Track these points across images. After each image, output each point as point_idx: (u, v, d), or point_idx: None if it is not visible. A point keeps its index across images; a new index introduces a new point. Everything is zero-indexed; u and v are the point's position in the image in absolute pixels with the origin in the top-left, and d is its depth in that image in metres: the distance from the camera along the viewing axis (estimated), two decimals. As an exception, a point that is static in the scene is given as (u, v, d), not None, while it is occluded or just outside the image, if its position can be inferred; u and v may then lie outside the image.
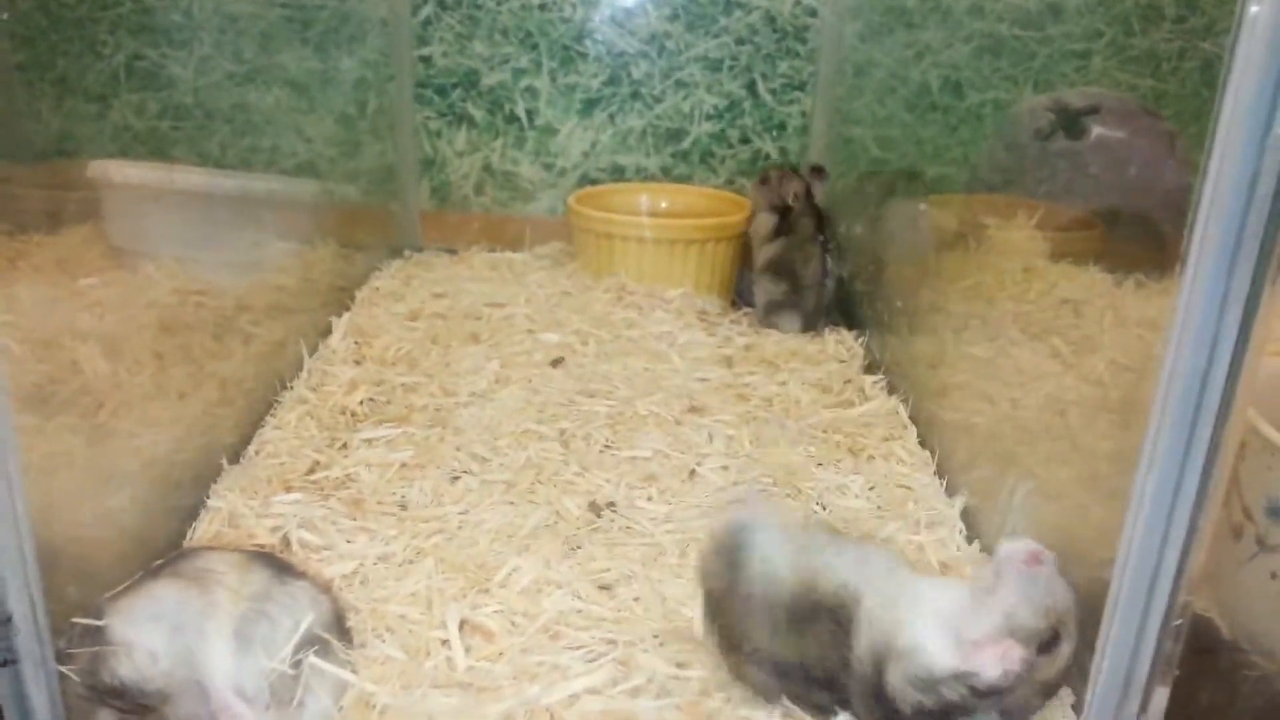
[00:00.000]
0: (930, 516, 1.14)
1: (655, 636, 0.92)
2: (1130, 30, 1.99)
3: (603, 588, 0.99)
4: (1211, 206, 0.71)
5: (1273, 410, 1.00)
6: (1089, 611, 0.82)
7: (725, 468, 1.23)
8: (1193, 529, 0.78)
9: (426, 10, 2.11)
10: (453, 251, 2.09)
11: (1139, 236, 1.55)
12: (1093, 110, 1.82)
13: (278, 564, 0.88)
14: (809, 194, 1.78)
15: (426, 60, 2.14)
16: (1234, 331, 0.73)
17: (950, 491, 1.21)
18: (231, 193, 1.61)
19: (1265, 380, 1.06)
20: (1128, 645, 0.80)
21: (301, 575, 0.88)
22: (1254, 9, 0.66)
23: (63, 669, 0.75)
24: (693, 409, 1.38)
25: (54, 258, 1.56)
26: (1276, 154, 0.68)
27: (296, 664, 0.80)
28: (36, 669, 0.72)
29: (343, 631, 0.87)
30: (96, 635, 0.76)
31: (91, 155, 1.71)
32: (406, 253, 2.07)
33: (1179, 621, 0.81)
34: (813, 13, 2.10)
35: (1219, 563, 1.04)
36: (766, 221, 1.79)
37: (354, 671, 0.84)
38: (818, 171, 1.84)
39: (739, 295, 1.90)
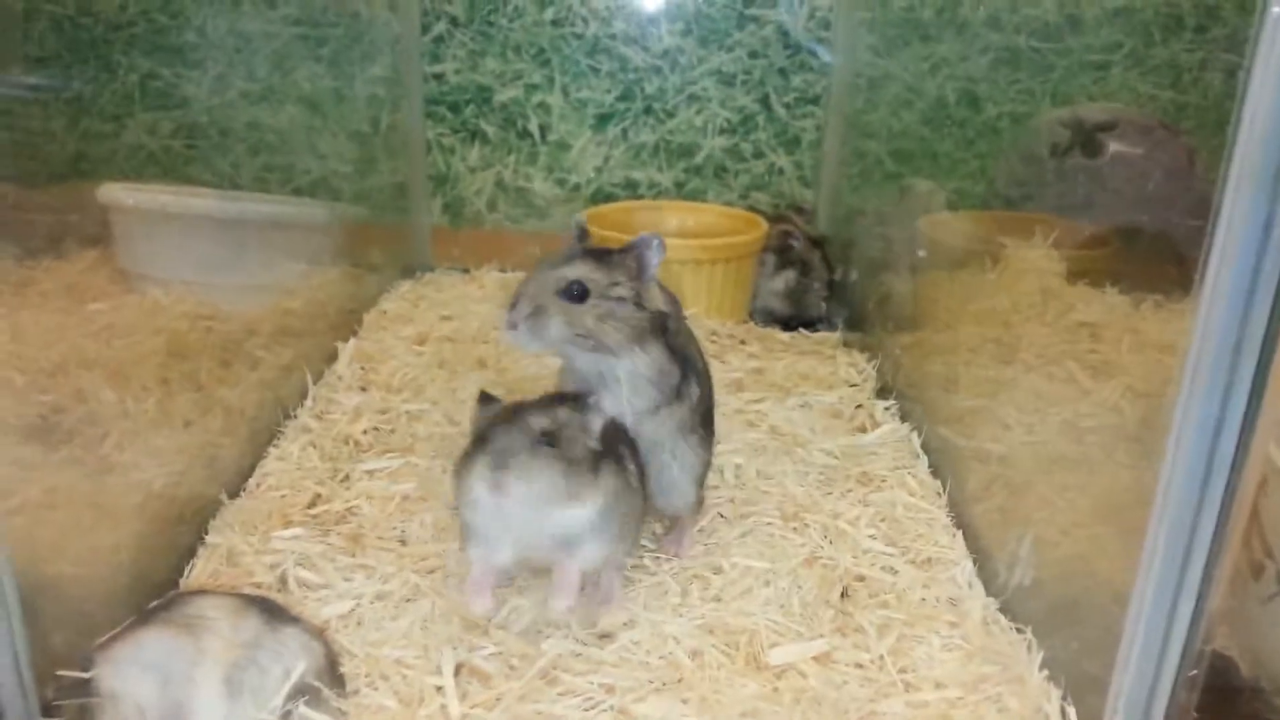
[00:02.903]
0: (938, 552, 1.12)
1: (652, 682, 0.90)
2: (1151, 41, 1.95)
3: (603, 634, 0.97)
4: (1229, 231, 0.68)
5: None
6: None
7: (733, 500, 1.21)
8: (1209, 572, 0.75)
9: (439, 28, 2.10)
10: (465, 270, 2.08)
11: (1157, 256, 1.51)
12: (1109, 126, 1.78)
13: (271, 609, 0.87)
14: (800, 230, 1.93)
15: (439, 77, 2.13)
16: (1252, 364, 0.70)
17: (960, 524, 1.18)
18: (241, 215, 1.61)
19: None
20: (1141, 694, 0.78)
21: (294, 621, 0.87)
22: (1276, 9, 0.63)
23: (48, 722, 0.74)
24: (701, 437, 1.36)
25: (63, 283, 1.56)
26: None
27: (287, 714, 0.78)
28: (20, 724, 0.71)
29: (335, 678, 0.85)
30: (84, 686, 0.75)
31: (106, 176, 1.71)
32: (418, 273, 2.06)
33: (1194, 672, 0.78)
34: (826, 25, 2.08)
35: (1239, 602, 1.01)
36: (769, 261, 1.90)
37: (345, 721, 0.82)
38: (799, 210, 2.03)
39: (752, 314, 1.88)
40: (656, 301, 1.03)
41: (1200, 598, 0.76)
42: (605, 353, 1.00)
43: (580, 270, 0.99)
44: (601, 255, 1.01)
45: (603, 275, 0.99)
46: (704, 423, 1.11)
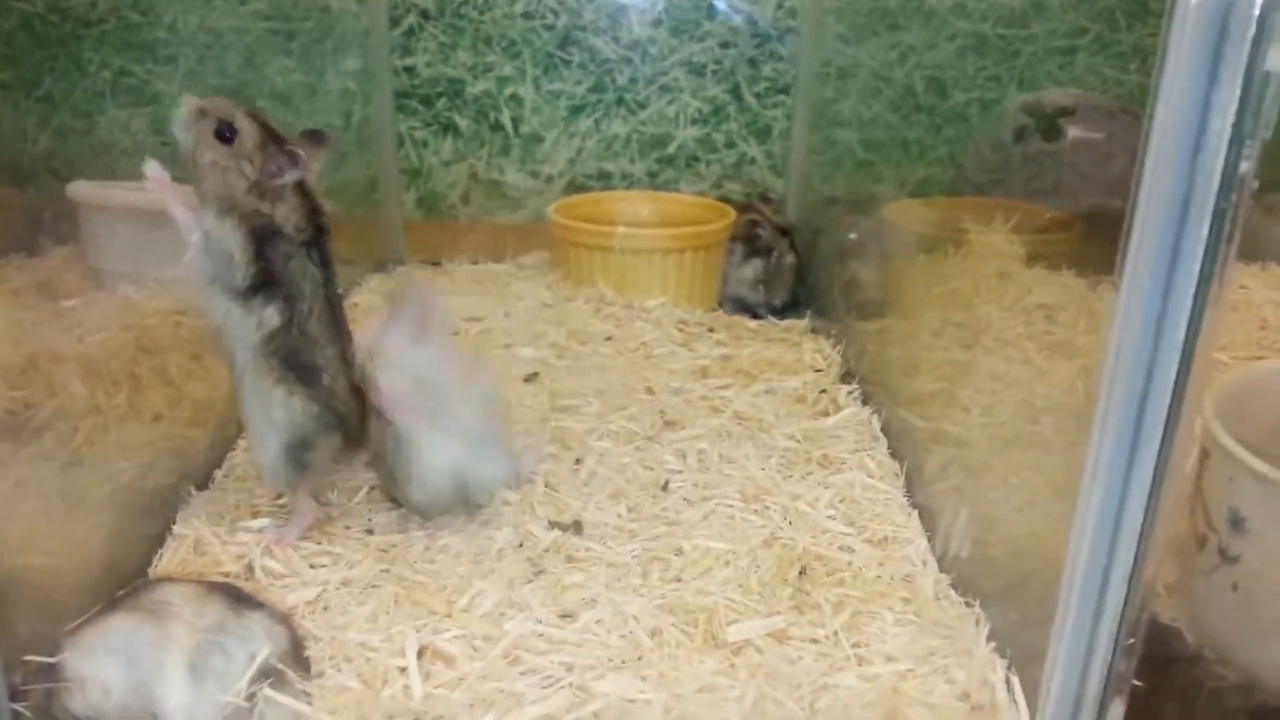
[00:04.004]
0: (894, 531, 1.14)
1: (611, 660, 0.92)
2: (1115, 26, 1.99)
3: (565, 614, 0.99)
4: (1150, 201, 0.69)
5: (1237, 418, 0.99)
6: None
7: (695, 484, 1.23)
8: (1143, 541, 0.77)
9: (409, 20, 2.11)
10: (436, 264, 2.09)
11: (1114, 238, 1.54)
12: (1070, 111, 1.81)
13: (235, 595, 0.88)
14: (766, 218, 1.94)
15: (410, 70, 2.14)
16: (1179, 335, 0.71)
17: (915, 504, 1.21)
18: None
19: (1229, 391, 1.06)
20: (1076, 662, 0.80)
21: (259, 606, 0.89)
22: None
23: (16, 706, 0.76)
24: (666, 424, 1.39)
25: (34, 280, 1.57)
26: (1216, 150, 0.67)
27: (251, 696, 0.80)
28: (-13, 709, 0.73)
29: (300, 661, 0.87)
30: (51, 670, 0.77)
31: (78, 174, 1.72)
32: (390, 266, 2.08)
33: (1132, 640, 0.81)
34: (793, 14, 2.10)
35: (1185, 573, 1.04)
36: (738, 250, 1.90)
37: (309, 703, 0.84)
38: (765, 199, 2.04)
39: (721, 303, 1.90)
40: (282, 207, 1.03)
41: (1135, 566, 0.78)
42: (196, 189, 1.02)
43: (246, 124, 1.00)
44: (271, 133, 1.01)
45: (256, 143, 1.00)
46: (291, 372, 1.06)
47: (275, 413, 1.06)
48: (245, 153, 1.00)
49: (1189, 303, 0.71)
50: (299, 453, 1.07)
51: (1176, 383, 0.74)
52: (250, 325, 1.03)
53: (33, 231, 1.63)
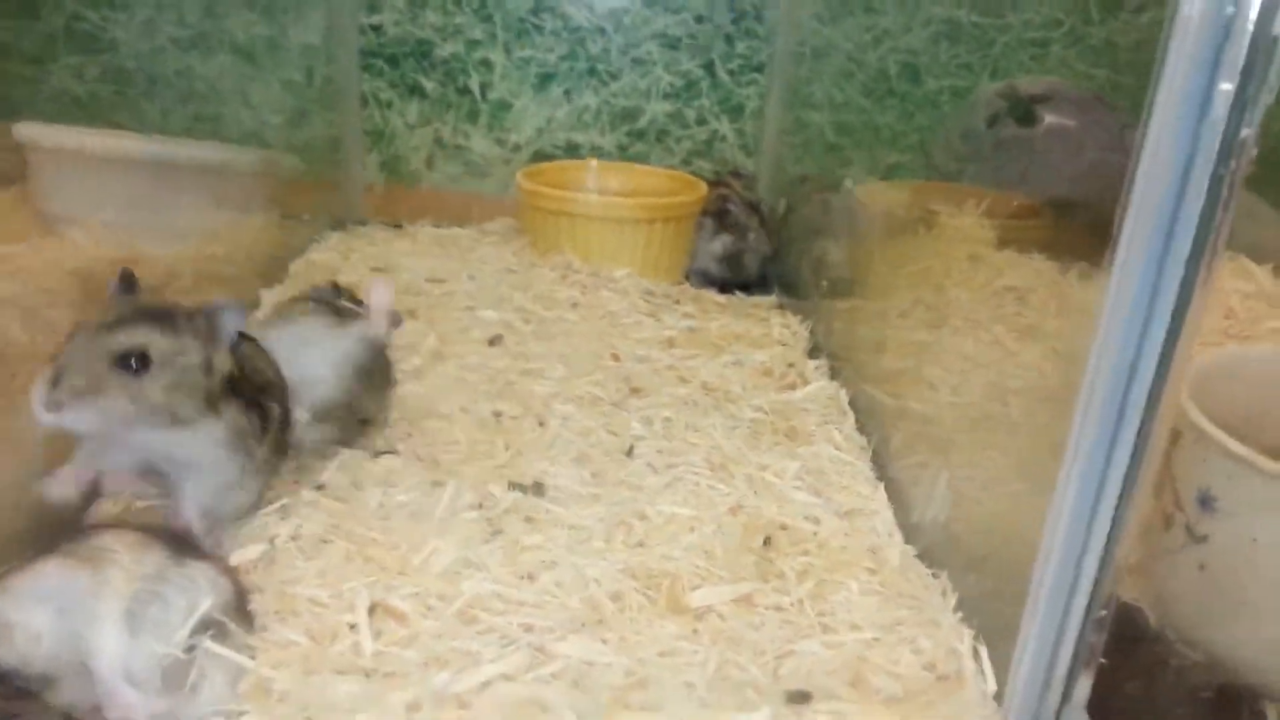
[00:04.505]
0: (860, 503, 1.13)
1: (572, 622, 0.89)
2: (1089, 19, 1.98)
3: (524, 575, 0.96)
4: (1145, 186, 0.69)
5: (1208, 401, 0.98)
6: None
7: (660, 451, 1.21)
8: (1119, 519, 0.76)
9: (377, -24, 2.05)
10: (398, 226, 2.04)
11: (1086, 225, 1.54)
12: (1044, 98, 1.80)
13: (177, 543, 0.84)
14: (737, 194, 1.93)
15: (377, 29, 2.09)
16: (1166, 318, 0.71)
17: (882, 478, 1.19)
18: (163, 157, 1.56)
19: (1200, 371, 1.05)
20: (1049, 636, 0.79)
21: (202, 555, 0.85)
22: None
23: (-62, 652, 0.71)
24: (632, 391, 1.36)
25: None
26: (1213, 135, 0.66)
27: (190, 649, 0.76)
28: (-94, 651, 0.68)
29: (243, 615, 0.83)
30: (-25, 616, 0.73)
31: (29, 119, 1.65)
32: (348, 225, 2.02)
33: (1104, 613, 0.80)
34: (771, -11, 2.07)
35: (1149, 553, 1.03)
36: (707, 224, 1.87)
37: (253, 656, 0.80)
38: (737, 175, 2.01)
39: (688, 276, 1.88)
40: (225, 363, 0.92)
41: (1109, 544, 0.77)
42: (177, 426, 0.88)
43: (140, 336, 0.85)
44: (163, 316, 0.88)
45: (168, 341, 0.87)
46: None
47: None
48: (170, 353, 0.86)
49: (1180, 276, 0.70)
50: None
51: (1162, 360, 0.73)
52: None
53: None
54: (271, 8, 1.88)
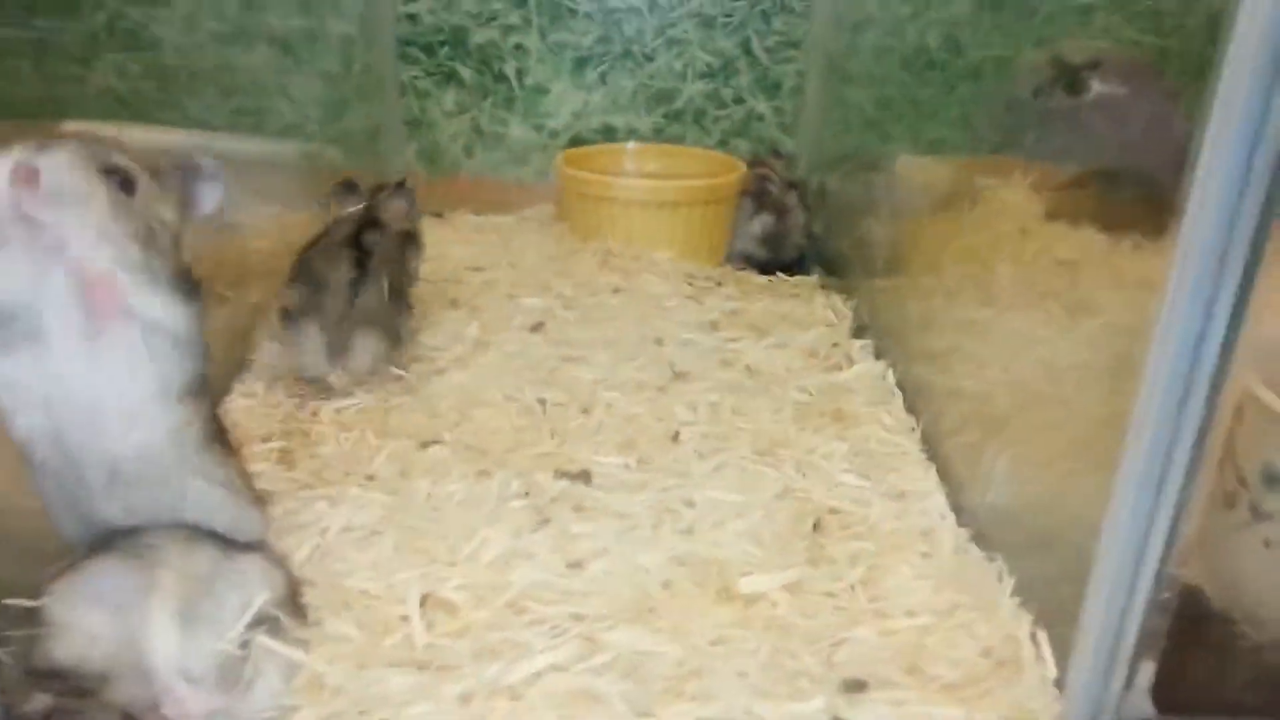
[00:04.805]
0: (911, 485, 1.11)
1: (623, 611, 0.89)
2: (1136, -15, 1.93)
3: (573, 564, 0.95)
4: (1213, 158, 0.67)
5: (1273, 376, 0.96)
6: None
7: (706, 436, 1.20)
8: (1183, 500, 0.74)
9: (412, -35, 2.05)
10: (438, 215, 2.04)
11: (1138, 196, 1.50)
12: (1093, 66, 1.76)
13: (228, 538, 0.84)
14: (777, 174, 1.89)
15: (413, 18, 2.08)
16: (1232, 291, 0.69)
17: (933, 459, 1.17)
18: (208, 153, 1.57)
19: (1264, 345, 1.02)
20: (1112, 620, 0.77)
21: (253, 549, 0.85)
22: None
23: (-5, 652, 0.72)
24: (676, 375, 1.35)
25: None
26: None
27: (245, 644, 0.77)
28: (-34, 652, 0.69)
29: (296, 608, 0.84)
30: (32, 616, 0.73)
31: (73, 118, 1.67)
32: (390, 217, 2.02)
33: (1167, 595, 0.78)
34: (808, -32, 2.04)
35: (1210, 531, 1.00)
36: (747, 205, 1.84)
37: (306, 651, 0.81)
38: (776, 154, 1.97)
39: (730, 258, 1.86)
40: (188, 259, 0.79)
41: (1174, 524, 0.75)
42: (145, 276, 0.73)
43: (126, 161, 0.73)
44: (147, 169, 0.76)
45: (150, 182, 0.75)
46: (222, 437, 0.86)
47: (237, 489, 0.86)
48: (150, 195, 0.74)
49: (1247, 248, 0.68)
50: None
51: (1228, 335, 0.70)
52: (194, 419, 0.80)
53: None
54: (310, 0, 1.89)
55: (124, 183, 0.72)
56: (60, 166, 0.68)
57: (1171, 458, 0.73)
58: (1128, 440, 0.74)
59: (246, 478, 0.88)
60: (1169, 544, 0.75)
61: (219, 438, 0.83)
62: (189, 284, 0.77)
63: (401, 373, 1.31)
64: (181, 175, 0.78)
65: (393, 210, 1.40)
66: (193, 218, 0.78)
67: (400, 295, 1.33)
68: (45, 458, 0.76)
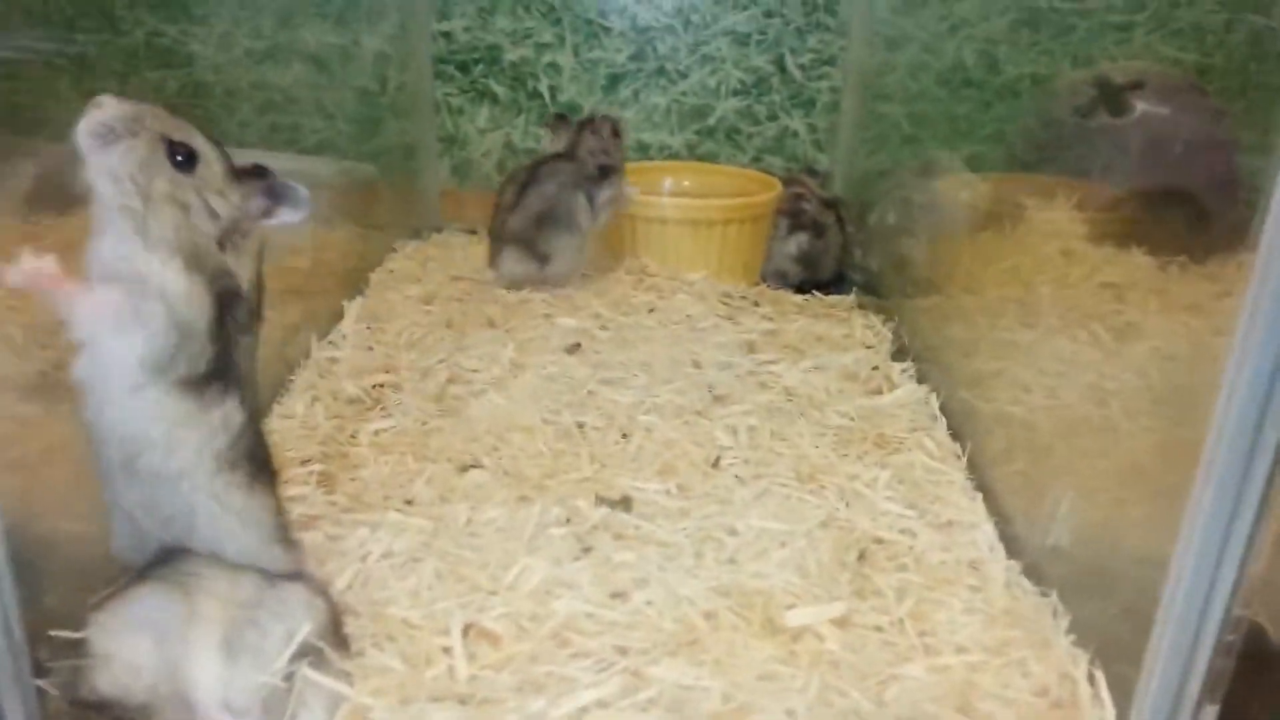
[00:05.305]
0: (958, 515, 1.09)
1: (666, 644, 0.87)
2: (1175, 2, 1.90)
3: (615, 594, 0.94)
4: None
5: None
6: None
7: (746, 461, 1.18)
8: (1252, 541, 0.72)
9: (448, -16, 2.05)
10: (472, 232, 2.04)
11: (1184, 218, 1.47)
12: (1137, 86, 1.73)
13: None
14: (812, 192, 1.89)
15: (448, 35, 2.09)
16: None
17: (980, 487, 1.15)
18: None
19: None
20: (1178, 663, 0.74)
21: (296, 577, 0.84)
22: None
23: (41, 683, 0.72)
24: (715, 399, 1.33)
25: (64, 239, 1.53)
26: None
27: (289, 675, 0.76)
28: (12, 684, 0.68)
29: (339, 638, 0.83)
30: (76, 647, 0.73)
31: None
32: (425, 233, 2.03)
33: (1232, 637, 0.75)
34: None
35: (1272, 566, 0.97)
36: (782, 224, 1.84)
37: (350, 683, 0.80)
38: (811, 172, 1.96)
39: (765, 277, 1.84)
40: (242, 266, 0.81)
41: (1244, 562, 0.72)
42: (138, 233, 0.75)
43: (208, 147, 0.78)
44: (236, 166, 0.80)
45: (221, 174, 0.78)
46: (259, 472, 0.85)
47: (254, 523, 0.84)
48: (213, 185, 0.77)
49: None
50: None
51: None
52: (206, 427, 0.79)
53: (63, 190, 1.59)
54: (345, 16, 1.89)
55: (183, 157, 0.76)
56: (119, 116, 0.74)
57: (1243, 494, 0.70)
58: (1199, 473, 0.71)
59: (276, 514, 0.87)
60: (1238, 583, 0.73)
61: (247, 468, 0.83)
62: (214, 275, 0.78)
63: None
64: (269, 187, 0.81)
65: (587, 144, 1.72)
66: (259, 229, 0.81)
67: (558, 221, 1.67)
68: (85, 419, 0.78)
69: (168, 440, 0.78)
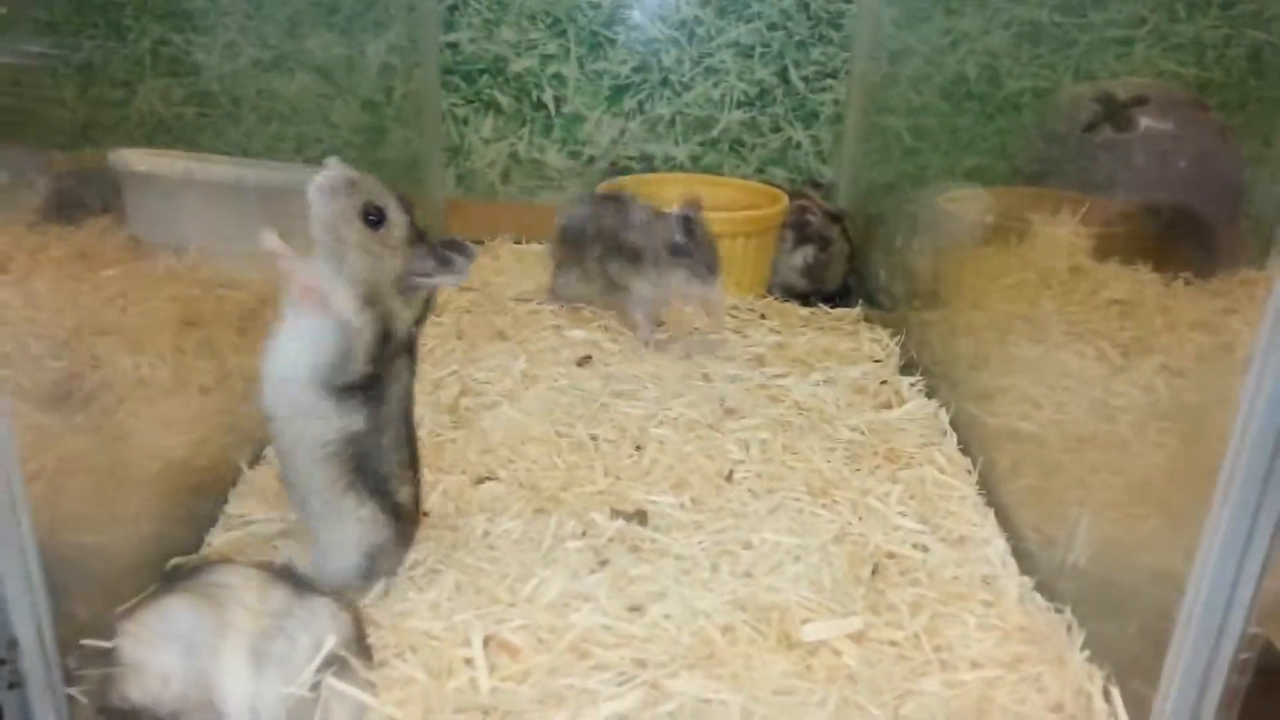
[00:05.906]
0: (970, 530, 1.10)
1: (684, 657, 0.88)
2: (1175, 17, 1.92)
3: (633, 607, 0.95)
4: None
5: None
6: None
7: (759, 475, 1.19)
8: (1270, 554, 0.73)
9: (454, -5, 2.06)
10: (479, 242, 2.05)
11: (1187, 233, 1.49)
12: (1140, 101, 1.75)
13: (297, 577, 0.85)
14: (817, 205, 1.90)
15: (453, 46, 2.10)
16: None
17: (991, 503, 1.16)
18: (254, 183, 1.58)
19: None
20: (1196, 678, 0.75)
21: (322, 590, 0.85)
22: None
23: (71, 691, 0.72)
24: (726, 412, 1.34)
25: (74, 249, 1.54)
26: None
27: (315, 686, 0.76)
28: (43, 692, 0.69)
29: (363, 649, 0.83)
30: (106, 655, 0.73)
31: (116, 144, 1.68)
32: (431, 243, 2.03)
33: (1247, 654, 0.76)
34: (848, -1, 2.04)
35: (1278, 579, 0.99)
36: (788, 237, 1.85)
37: (374, 694, 0.80)
38: (815, 185, 2.01)
39: (771, 289, 1.85)
40: (407, 310, 0.94)
41: (1260, 579, 0.73)
42: (335, 268, 0.90)
43: (398, 214, 0.91)
44: (417, 231, 0.93)
45: (402, 236, 0.91)
46: (361, 478, 0.94)
47: (348, 526, 0.94)
48: (392, 243, 0.91)
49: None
50: (369, 564, 0.96)
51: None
52: (331, 424, 0.92)
53: (72, 200, 1.59)
54: (351, 26, 1.90)
55: (375, 218, 0.90)
56: (339, 178, 0.90)
57: (1260, 509, 0.72)
58: (1216, 491, 0.72)
59: (365, 526, 0.96)
60: (1254, 600, 0.74)
61: (349, 470, 0.94)
62: (382, 314, 0.92)
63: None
64: (438, 253, 0.93)
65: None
66: (425, 285, 0.95)
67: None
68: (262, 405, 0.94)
69: (294, 425, 0.92)
